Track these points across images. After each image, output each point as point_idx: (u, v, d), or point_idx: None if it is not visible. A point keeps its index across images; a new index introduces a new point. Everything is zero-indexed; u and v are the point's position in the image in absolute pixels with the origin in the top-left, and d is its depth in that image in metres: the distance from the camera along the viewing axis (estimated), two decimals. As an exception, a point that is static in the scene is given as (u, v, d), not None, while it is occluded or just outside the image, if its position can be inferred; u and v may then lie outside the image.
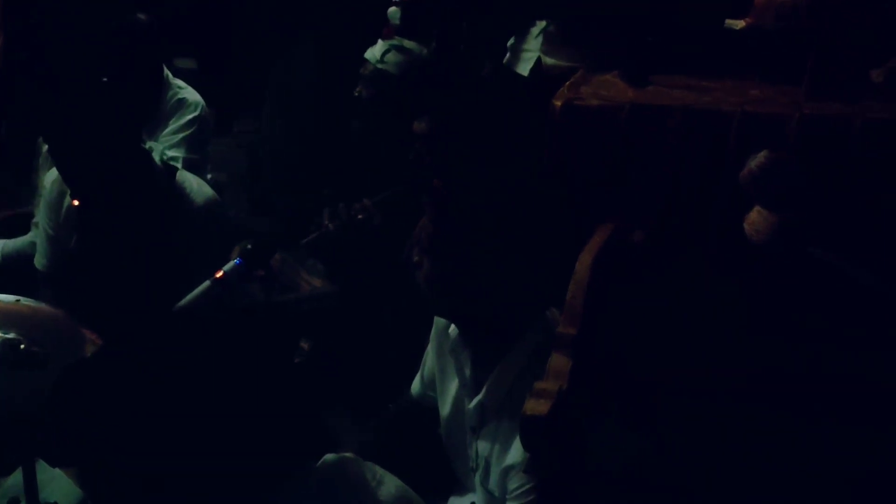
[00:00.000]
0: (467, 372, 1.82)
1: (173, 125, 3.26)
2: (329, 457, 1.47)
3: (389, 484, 1.49)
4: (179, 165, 2.85)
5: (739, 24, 1.86)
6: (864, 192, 1.59)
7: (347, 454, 1.52)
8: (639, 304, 1.66)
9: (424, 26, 3.20)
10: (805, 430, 1.56)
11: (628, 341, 1.64)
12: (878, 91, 1.69)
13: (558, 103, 1.81)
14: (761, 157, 1.58)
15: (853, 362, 1.56)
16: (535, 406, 1.49)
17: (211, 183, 2.93)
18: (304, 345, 2.39)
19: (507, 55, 3.06)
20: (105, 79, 2.50)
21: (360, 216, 2.60)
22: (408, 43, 2.97)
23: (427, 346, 2.00)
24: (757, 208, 1.61)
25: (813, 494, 1.55)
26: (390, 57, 2.91)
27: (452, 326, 1.84)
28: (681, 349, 1.62)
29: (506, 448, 1.72)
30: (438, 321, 1.93)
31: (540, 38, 2.76)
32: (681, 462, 1.61)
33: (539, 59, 2.67)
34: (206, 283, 1.93)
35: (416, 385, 2.07)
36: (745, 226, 1.61)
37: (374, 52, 2.97)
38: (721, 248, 1.66)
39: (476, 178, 1.76)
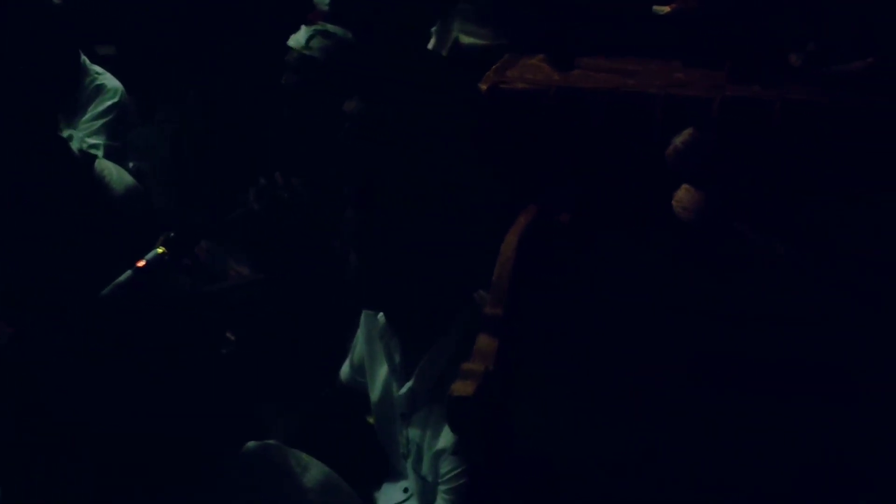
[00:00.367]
0: (397, 358, 1.81)
1: (92, 112, 3.17)
2: (251, 444, 1.45)
3: (315, 470, 1.47)
4: (100, 153, 2.78)
5: (665, 9, 1.88)
6: (786, 170, 1.63)
7: (270, 441, 1.50)
8: (566, 285, 1.67)
9: (354, 10, 3.17)
10: (734, 410, 1.59)
11: (555, 323, 1.65)
12: (796, 74, 1.73)
13: (484, 87, 1.81)
14: (686, 133, 1.61)
15: (781, 340, 1.59)
16: (462, 387, 1.49)
17: (133, 171, 2.86)
18: (230, 335, 2.35)
19: (433, 39, 3.05)
20: (19, 65, 2.42)
21: (286, 195, 2.56)
22: (332, 27, 2.93)
23: (356, 331, 1.99)
24: (684, 186, 1.63)
25: (742, 475, 1.58)
26: (315, 42, 2.87)
27: (381, 314, 1.82)
28: (609, 329, 1.64)
29: (437, 433, 1.71)
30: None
31: (457, 19, 2.76)
32: (608, 443, 1.63)
33: (456, 39, 2.66)
34: (128, 273, 1.89)
35: (345, 370, 2.05)
36: (673, 204, 1.63)
37: (298, 39, 2.93)
38: (649, 227, 1.68)
39: (404, 165, 1.75)
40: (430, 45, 3.00)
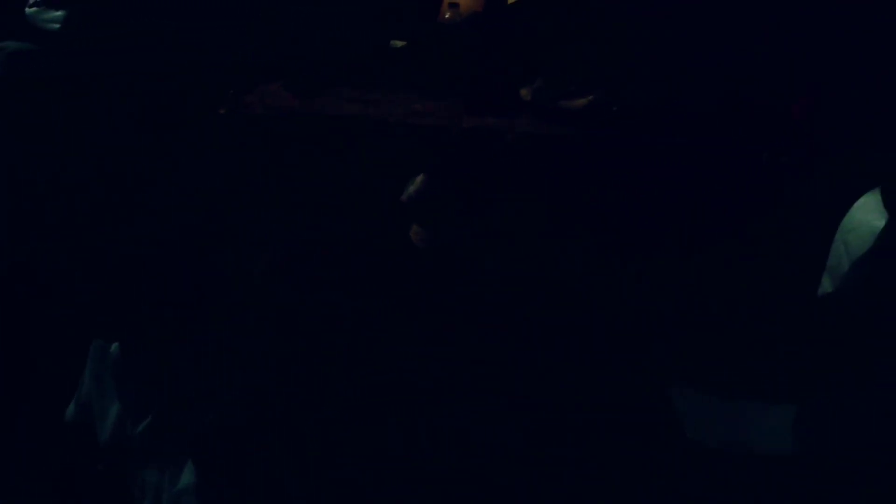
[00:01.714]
0: (132, 393, 1.72)
1: None
2: None
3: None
4: None
5: (401, 43, 1.94)
6: (518, 201, 1.72)
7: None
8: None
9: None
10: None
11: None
12: (527, 107, 1.84)
13: (223, 111, 1.79)
14: (419, 181, 1.68)
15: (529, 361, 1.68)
16: (209, 417, 1.44)
17: None
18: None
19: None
20: None
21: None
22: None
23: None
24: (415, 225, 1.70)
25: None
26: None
27: (115, 345, 1.73)
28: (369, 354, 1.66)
29: (178, 472, 1.64)
30: (97, 340, 1.81)
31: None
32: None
33: None
34: None
35: (70, 410, 1.92)
36: (411, 235, 1.69)
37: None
38: (395, 254, 1.72)
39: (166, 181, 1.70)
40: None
